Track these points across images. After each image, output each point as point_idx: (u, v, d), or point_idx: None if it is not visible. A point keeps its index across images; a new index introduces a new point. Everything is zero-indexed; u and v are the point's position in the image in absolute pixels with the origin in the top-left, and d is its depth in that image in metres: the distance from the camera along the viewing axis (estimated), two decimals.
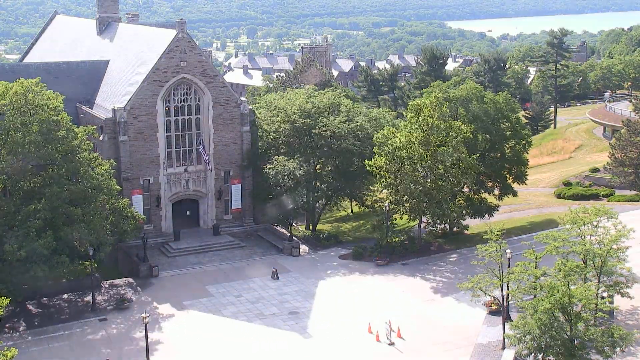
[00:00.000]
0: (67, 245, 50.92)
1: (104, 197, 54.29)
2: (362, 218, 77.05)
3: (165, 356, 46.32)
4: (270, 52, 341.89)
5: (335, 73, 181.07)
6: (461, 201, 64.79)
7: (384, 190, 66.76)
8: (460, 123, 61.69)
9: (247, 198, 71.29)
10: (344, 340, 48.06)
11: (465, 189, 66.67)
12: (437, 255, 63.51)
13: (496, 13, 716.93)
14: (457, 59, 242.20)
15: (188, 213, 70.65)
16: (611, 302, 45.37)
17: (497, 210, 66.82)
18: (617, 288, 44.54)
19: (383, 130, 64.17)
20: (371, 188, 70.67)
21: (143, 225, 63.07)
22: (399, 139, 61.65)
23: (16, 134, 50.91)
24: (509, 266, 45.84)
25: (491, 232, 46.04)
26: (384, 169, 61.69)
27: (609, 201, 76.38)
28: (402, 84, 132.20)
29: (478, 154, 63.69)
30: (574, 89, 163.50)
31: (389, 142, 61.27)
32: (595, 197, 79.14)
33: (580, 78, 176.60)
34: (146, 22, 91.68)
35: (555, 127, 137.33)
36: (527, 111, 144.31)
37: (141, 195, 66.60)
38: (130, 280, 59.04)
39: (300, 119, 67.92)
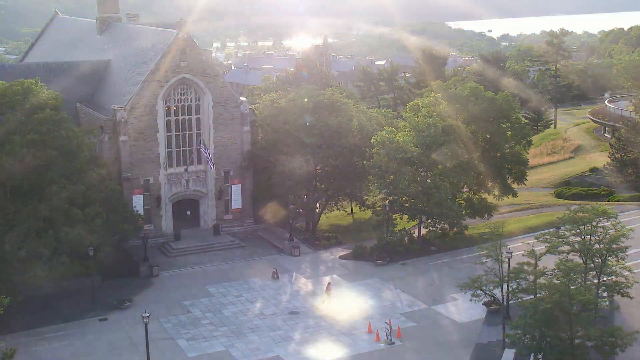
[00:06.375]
0: (67, 245, 50.90)
1: (103, 197, 54.28)
2: (362, 219, 76.94)
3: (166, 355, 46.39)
4: (270, 52, 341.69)
5: (335, 73, 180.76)
6: (461, 201, 64.77)
7: (383, 191, 66.70)
8: (460, 123, 61.69)
9: (247, 198, 71.33)
10: (344, 340, 48.10)
11: (465, 189, 66.67)
12: (437, 255, 63.54)
13: (496, 13, 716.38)
14: (457, 59, 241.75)
15: (188, 213, 70.68)
16: (611, 302, 45.41)
17: (497, 210, 66.76)
18: (617, 288, 44.58)
19: (383, 130, 64.15)
20: (371, 188, 70.61)
21: (143, 225, 63.14)
22: (399, 139, 61.66)
23: (16, 134, 50.86)
24: (509, 266, 45.86)
25: (491, 232, 46.06)
26: (384, 169, 61.67)
27: (608, 201, 76.33)
28: (402, 83, 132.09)
29: (478, 154, 63.66)
30: (574, 89, 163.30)
31: (389, 142, 61.24)
32: (595, 197, 79.02)
33: (581, 78, 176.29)
34: (146, 22, 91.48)
35: (555, 127, 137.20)
36: (527, 111, 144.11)
37: (141, 195, 66.65)
38: (131, 280, 59.02)
39: (301, 119, 67.88)
